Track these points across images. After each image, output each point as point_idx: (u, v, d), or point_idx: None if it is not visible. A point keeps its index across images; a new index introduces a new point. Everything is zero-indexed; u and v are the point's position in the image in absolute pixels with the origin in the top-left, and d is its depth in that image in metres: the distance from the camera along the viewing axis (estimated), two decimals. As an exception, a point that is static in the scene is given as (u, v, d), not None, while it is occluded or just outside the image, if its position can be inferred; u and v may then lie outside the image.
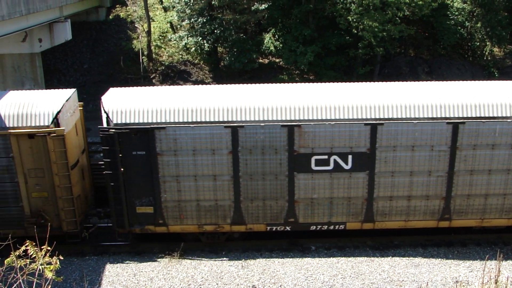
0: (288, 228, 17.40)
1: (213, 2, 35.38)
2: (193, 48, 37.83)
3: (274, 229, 17.42)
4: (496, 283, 13.91)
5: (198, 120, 16.14)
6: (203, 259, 17.44)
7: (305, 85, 18.10)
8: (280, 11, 37.24)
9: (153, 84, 37.08)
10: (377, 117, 16.18)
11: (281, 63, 38.65)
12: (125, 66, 38.64)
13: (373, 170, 16.65)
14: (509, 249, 17.94)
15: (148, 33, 38.73)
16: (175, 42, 38.73)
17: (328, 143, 16.29)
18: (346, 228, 17.49)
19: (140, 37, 39.94)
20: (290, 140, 16.24)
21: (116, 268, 17.00)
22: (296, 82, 33.26)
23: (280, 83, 37.49)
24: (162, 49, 39.94)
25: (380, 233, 18.42)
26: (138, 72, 38.16)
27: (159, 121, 16.12)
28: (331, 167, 16.59)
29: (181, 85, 37.33)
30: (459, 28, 38.54)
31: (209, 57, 38.75)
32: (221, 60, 38.65)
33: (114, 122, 16.15)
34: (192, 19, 36.10)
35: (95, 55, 39.45)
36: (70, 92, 17.76)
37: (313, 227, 17.46)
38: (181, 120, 16.12)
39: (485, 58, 39.09)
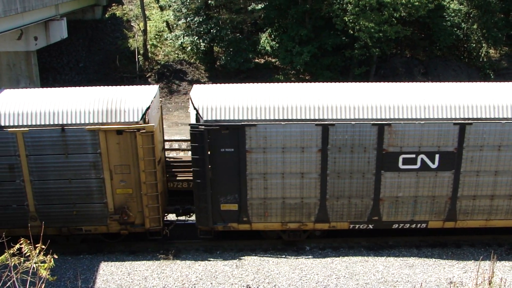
0: (370, 226, 17.49)
1: (209, 2, 35.39)
2: (189, 48, 37.85)
3: (356, 227, 17.51)
4: (490, 284, 13.93)
5: (289, 117, 16.19)
6: (198, 258, 17.44)
7: (394, 84, 18.12)
8: (276, 11, 37.27)
9: (149, 83, 37.05)
10: (466, 116, 16.29)
11: (277, 63, 38.67)
12: (121, 65, 38.60)
13: (459, 169, 16.73)
14: (503, 250, 17.98)
15: (144, 32, 38.70)
16: (171, 41, 38.72)
17: (417, 142, 16.38)
18: (428, 226, 17.58)
19: (136, 36, 39.89)
20: (379, 138, 16.32)
21: (110, 267, 16.97)
22: (292, 82, 33.26)
23: (276, 83, 37.65)
24: (158, 48, 39.91)
25: (375, 233, 18.46)
26: (134, 71, 38.13)
27: (249, 118, 16.15)
28: (418, 165, 16.68)
29: (177, 84, 37.35)
30: (455, 29, 38.63)
31: (205, 56, 38.75)
32: (217, 60, 38.67)
33: (204, 118, 16.19)
34: (189, 18, 36.12)
35: (91, 54, 39.40)
36: (155, 88, 17.82)
37: (395, 225, 17.55)
38: (271, 118, 16.16)
39: (481, 60, 39.14)
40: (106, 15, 42.11)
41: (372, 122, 16.18)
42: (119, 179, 16.69)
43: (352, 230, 17.99)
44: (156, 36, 40.32)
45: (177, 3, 36.11)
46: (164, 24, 40.95)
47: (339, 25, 34.69)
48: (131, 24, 41.53)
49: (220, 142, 16.26)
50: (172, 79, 38.00)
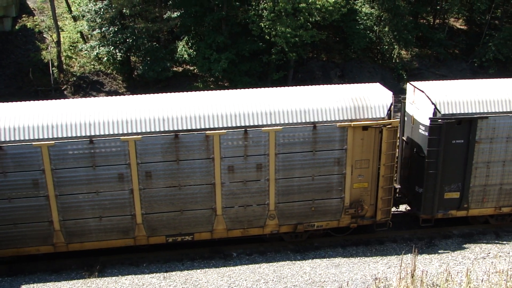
0: None
1: (124, 11, 34.81)
2: (105, 58, 37.09)
3: None
4: (412, 277, 14.40)
5: None
6: (124, 273, 17.06)
7: None
8: (192, 18, 37.12)
9: (65, 96, 36.04)
10: None
11: (195, 70, 38.52)
12: (35, 78, 37.32)
13: None
14: (423, 243, 18.62)
15: (58, 43, 37.61)
16: (86, 52, 37.78)
17: None
18: None
19: (49, 48, 38.72)
20: None
21: (32, 288, 16.34)
22: (211, 89, 33.26)
23: (194, 91, 37.51)
24: (73, 59, 38.88)
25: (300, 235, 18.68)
26: (48, 84, 36.96)
27: (480, 111, 17.84)
28: None
29: (94, 96, 36.53)
30: (368, 32, 39.78)
31: (122, 66, 38.07)
32: (135, 70, 38.10)
33: (442, 112, 17.65)
34: (103, 28, 35.35)
35: (1, 68, 37.89)
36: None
37: None
38: (499, 110, 17.91)
39: (393, 61, 40.50)
40: (16, 27, 40.60)
41: None
42: (357, 174, 17.60)
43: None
44: (71, 47, 39.25)
45: (91, 13, 35.29)
46: (79, 34, 39.95)
47: (255, 31, 34.95)
48: (44, 35, 40.25)
49: (452, 134, 17.86)
50: (89, 90, 37.09)
